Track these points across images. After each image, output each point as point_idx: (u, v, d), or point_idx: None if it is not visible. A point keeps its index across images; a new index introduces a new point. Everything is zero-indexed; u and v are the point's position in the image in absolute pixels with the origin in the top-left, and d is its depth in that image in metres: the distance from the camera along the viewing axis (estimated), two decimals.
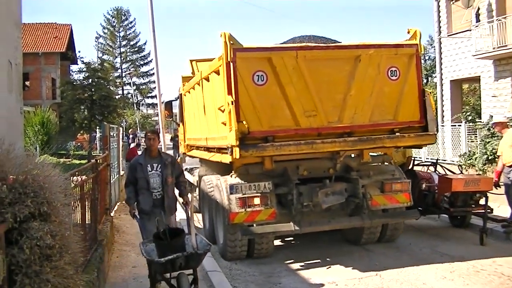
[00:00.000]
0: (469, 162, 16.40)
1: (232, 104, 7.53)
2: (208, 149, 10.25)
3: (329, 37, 9.36)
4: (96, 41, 75.86)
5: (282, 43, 9.23)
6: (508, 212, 9.82)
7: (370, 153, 9.23)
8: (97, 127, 37.11)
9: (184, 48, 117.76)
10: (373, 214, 8.81)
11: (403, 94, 8.49)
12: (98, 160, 8.70)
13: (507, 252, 8.71)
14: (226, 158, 8.21)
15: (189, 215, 6.52)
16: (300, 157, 8.47)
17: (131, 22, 78.58)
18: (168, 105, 16.75)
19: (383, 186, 8.83)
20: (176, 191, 7.30)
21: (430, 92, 8.68)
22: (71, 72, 49.35)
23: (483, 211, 9.48)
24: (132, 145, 31.73)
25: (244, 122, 7.56)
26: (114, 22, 78.02)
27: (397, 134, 8.40)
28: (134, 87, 64.46)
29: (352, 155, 9.03)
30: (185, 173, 13.81)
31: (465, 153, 17.16)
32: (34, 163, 4.05)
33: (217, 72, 8.38)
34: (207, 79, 9.24)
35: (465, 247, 9.22)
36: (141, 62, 79.32)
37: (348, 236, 9.72)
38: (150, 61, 78.59)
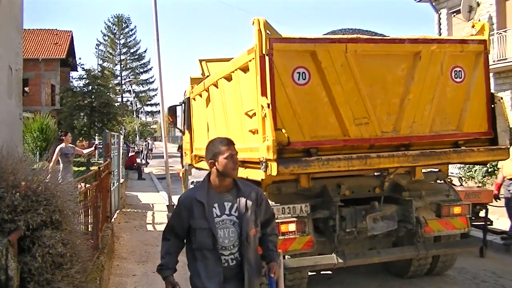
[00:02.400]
0: (468, 174, 16.05)
1: (268, 107, 5.79)
2: None
3: (374, 31, 7.63)
4: (96, 48, 74.09)
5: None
6: (507, 224, 9.69)
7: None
8: (96, 134, 35.85)
9: (179, 58, 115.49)
10: (427, 242, 7.10)
11: (469, 99, 6.78)
12: (101, 168, 8.59)
13: (507, 265, 8.64)
14: (256, 174, 6.48)
15: None
16: (342, 174, 6.73)
17: (131, 30, 76.72)
18: (172, 110, 14.82)
19: (439, 209, 7.15)
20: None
21: (501, 98, 6.95)
22: (71, 78, 48.11)
23: (483, 223, 9.30)
24: (131, 154, 31.13)
25: (284, 131, 5.82)
26: (114, 29, 76.26)
27: (463, 148, 6.68)
28: (134, 95, 62.74)
29: (402, 172, 7.31)
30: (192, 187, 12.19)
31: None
32: (46, 171, 4.14)
33: (245, 69, 6.67)
34: (229, 78, 7.50)
35: (465, 259, 8.65)
36: (141, 70, 77.50)
37: (391, 267, 7.96)
38: (150, 69, 77.11)
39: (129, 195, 19.49)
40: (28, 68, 38.94)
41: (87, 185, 6.74)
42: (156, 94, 73.97)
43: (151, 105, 77.64)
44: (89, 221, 6.60)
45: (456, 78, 6.73)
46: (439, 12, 24.15)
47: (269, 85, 5.92)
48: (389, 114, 6.47)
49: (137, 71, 77.13)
